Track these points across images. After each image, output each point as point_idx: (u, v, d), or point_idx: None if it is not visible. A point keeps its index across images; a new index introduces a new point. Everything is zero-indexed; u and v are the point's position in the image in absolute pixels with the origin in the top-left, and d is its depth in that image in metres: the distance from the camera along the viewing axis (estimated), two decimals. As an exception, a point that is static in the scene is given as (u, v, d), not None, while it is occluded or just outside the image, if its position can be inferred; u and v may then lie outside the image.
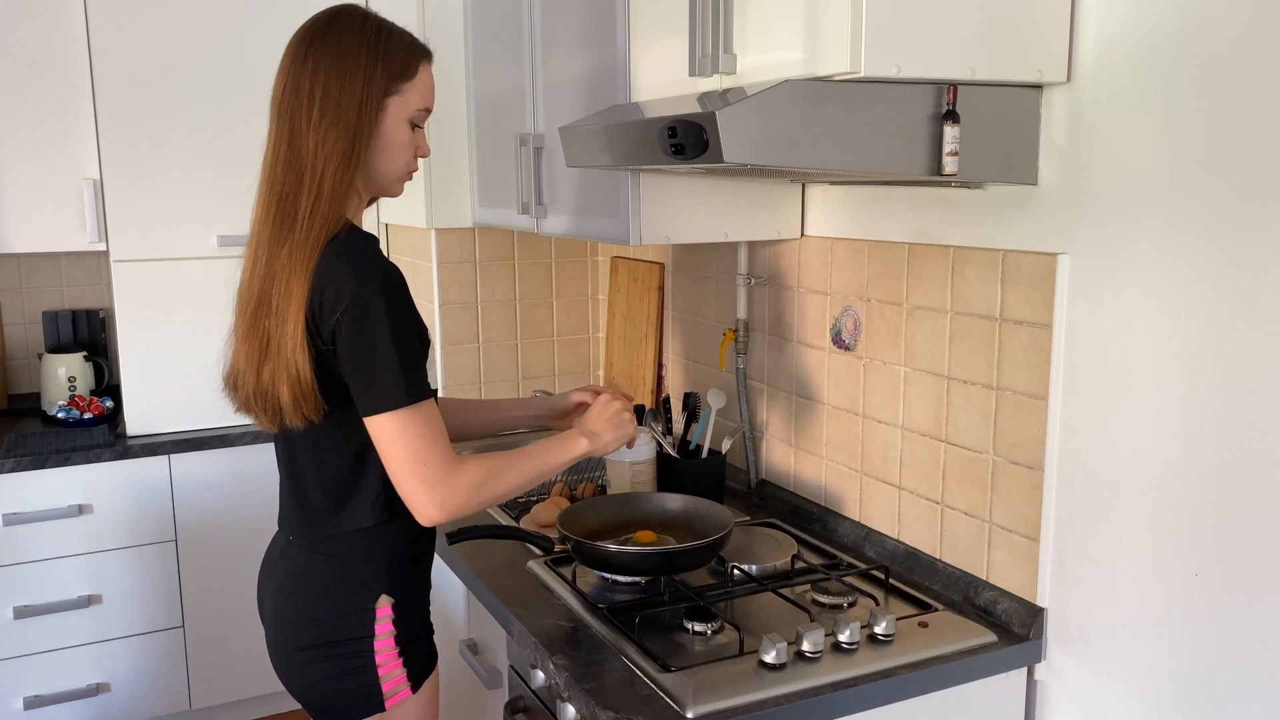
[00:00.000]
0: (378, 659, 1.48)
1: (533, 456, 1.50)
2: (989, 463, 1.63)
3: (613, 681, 1.45)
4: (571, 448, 1.56)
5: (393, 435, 1.35)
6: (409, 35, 1.47)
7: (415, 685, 1.52)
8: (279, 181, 1.40)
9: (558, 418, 1.81)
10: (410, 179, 1.54)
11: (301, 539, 1.52)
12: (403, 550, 1.51)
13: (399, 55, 1.43)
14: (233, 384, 1.49)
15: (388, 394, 1.35)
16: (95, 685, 2.78)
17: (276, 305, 1.36)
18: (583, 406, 1.78)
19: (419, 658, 1.53)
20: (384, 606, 1.48)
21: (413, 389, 1.36)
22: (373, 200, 1.57)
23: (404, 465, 1.36)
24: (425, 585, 1.58)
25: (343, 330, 1.34)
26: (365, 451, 1.45)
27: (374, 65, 1.41)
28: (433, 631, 1.60)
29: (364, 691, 1.48)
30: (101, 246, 2.80)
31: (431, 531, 1.58)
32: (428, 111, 1.49)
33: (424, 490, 1.36)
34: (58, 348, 3.10)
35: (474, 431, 1.83)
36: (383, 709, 1.49)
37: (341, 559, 1.48)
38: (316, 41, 1.41)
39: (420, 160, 1.54)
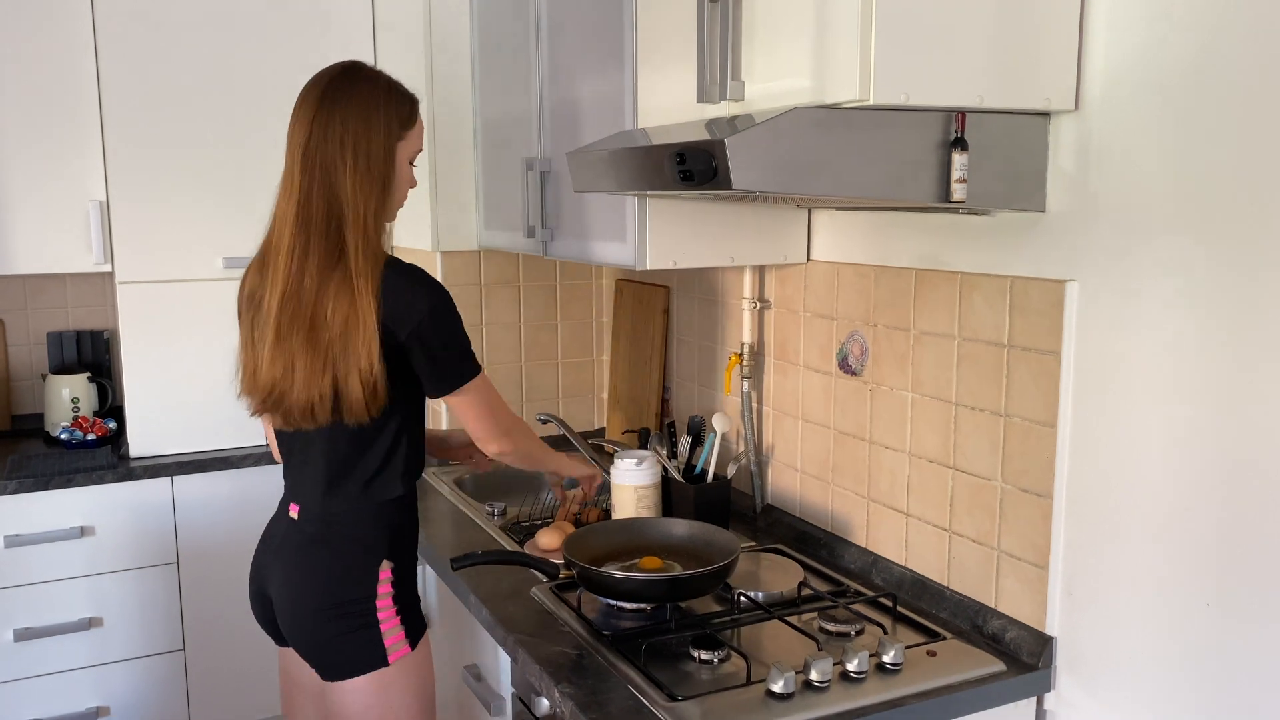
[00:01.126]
0: (380, 616, 1.66)
1: (542, 448, 1.92)
2: (997, 490, 1.62)
3: (619, 710, 1.44)
4: (555, 455, 1.95)
5: (474, 397, 1.70)
6: (404, 87, 1.69)
7: (413, 643, 1.69)
8: (317, 217, 1.58)
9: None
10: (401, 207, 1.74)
11: (317, 515, 1.69)
12: (401, 522, 1.72)
13: (405, 106, 1.66)
14: (266, 393, 1.62)
15: (467, 371, 1.67)
16: (95, 709, 2.76)
17: (342, 320, 1.55)
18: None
19: (413, 618, 1.71)
20: (385, 570, 1.68)
21: (476, 366, 1.70)
22: None
23: (486, 415, 1.72)
24: (415, 558, 1.77)
25: (425, 332, 1.60)
26: (400, 436, 1.68)
27: (390, 116, 1.62)
28: (420, 601, 1.76)
29: (371, 646, 1.65)
30: (107, 268, 2.80)
31: (415, 508, 1.78)
32: (420, 151, 1.72)
33: (501, 430, 1.75)
34: (62, 369, 3.10)
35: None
36: (386, 663, 1.65)
37: (357, 528, 1.67)
38: (340, 95, 1.60)
39: (425, 183, 1.77)
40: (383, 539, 1.68)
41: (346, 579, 1.66)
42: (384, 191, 1.62)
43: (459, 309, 1.66)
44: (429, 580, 2.28)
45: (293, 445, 1.73)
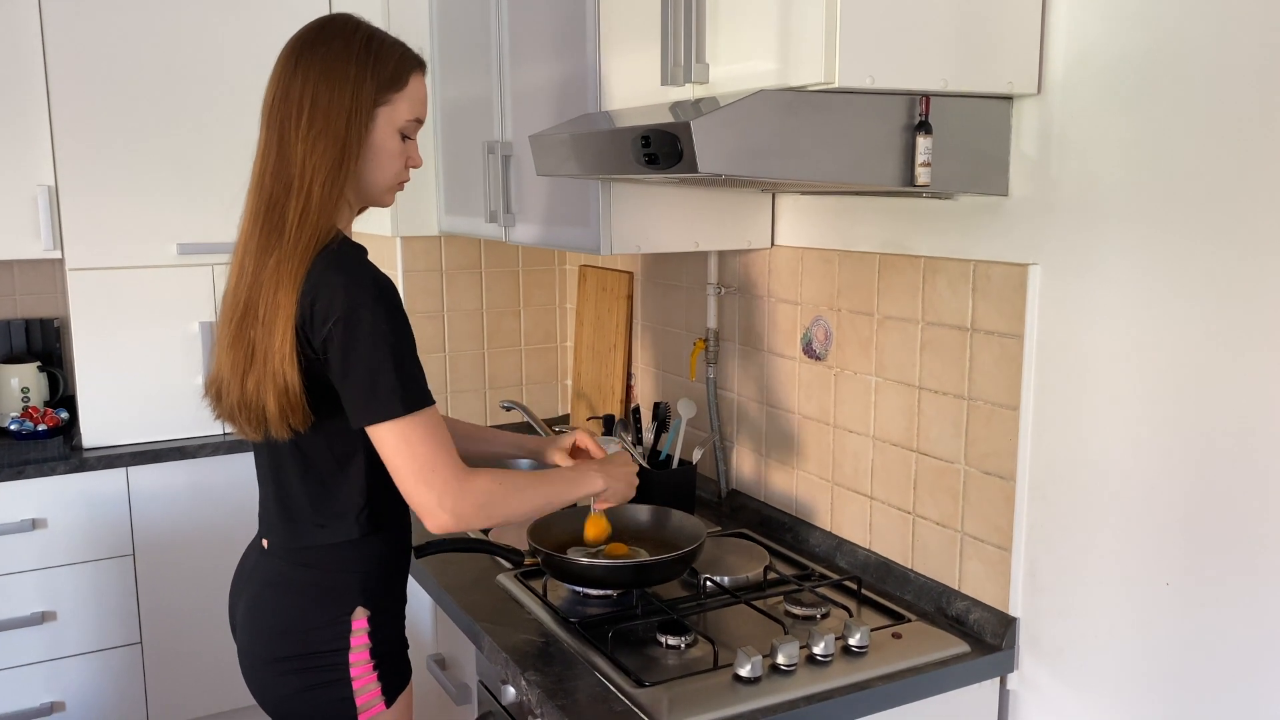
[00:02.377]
0: (352, 672, 1.46)
1: (546, 483, 1.51)
2: (960, 473, 1.63)
3: (585, 697, 1.43)
4: (585, 483, 1.58)
5: (397, 444, 1.34)
6: (401, 45, 1.46)
7: (389, 700, 1.50)
8: (267, 190, 1.39)
9: (549, 456, 1.77)
10: (401, 189, 1.53)
11: (279, 549, 1.50)
12: (380, 563, 1.50)
13: (389, 65, 1.42)
14: (215, 393, 1.46)
15: (386, 403, 1.33)
16: (50, 704, 2.71)
17: (264, 315, 1.35)
18: (579, 450, 1.76)
19: (393, 672, 1.51)
20: (359, 619, 1.47)
21: (412, 397, 1.34)
22: (362, 210, 1.55)
23: (411, 473, 1.34)
24: (401, 599, 1.56)
25: (335, 341, 1.33)
26: (350, 463, 1.44)
27: (364, 74, 1.40)
28: (407, 646, 1.58)
29: (338, 705, 1.46)
30: (57, 254, 2.73)
31: (408, 545, 1.57)
32: (419, 122, 1.48)
33: (434, 498, 1.35)
34: (10, 358, 3.02)
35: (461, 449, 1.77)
36: None
37: (318, 570, 1.47)
38: (307, 50, 1.40)
39: (419, 165, 1.53)
40: (353, 586, 1.46)
41: (312, 629, 1.45)
42: (341, 158, 1.38)
43: (424, 297, 1.45)
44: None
45: (257, 464, 1.54)
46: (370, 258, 1.41)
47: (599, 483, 1.59)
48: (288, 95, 1.39)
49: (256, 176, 1.41)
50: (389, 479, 1.45)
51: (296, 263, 1.34)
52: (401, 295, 2.61)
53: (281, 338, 1.33)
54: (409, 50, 1.47)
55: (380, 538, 1.49)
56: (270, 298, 1.34)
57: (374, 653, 1.47)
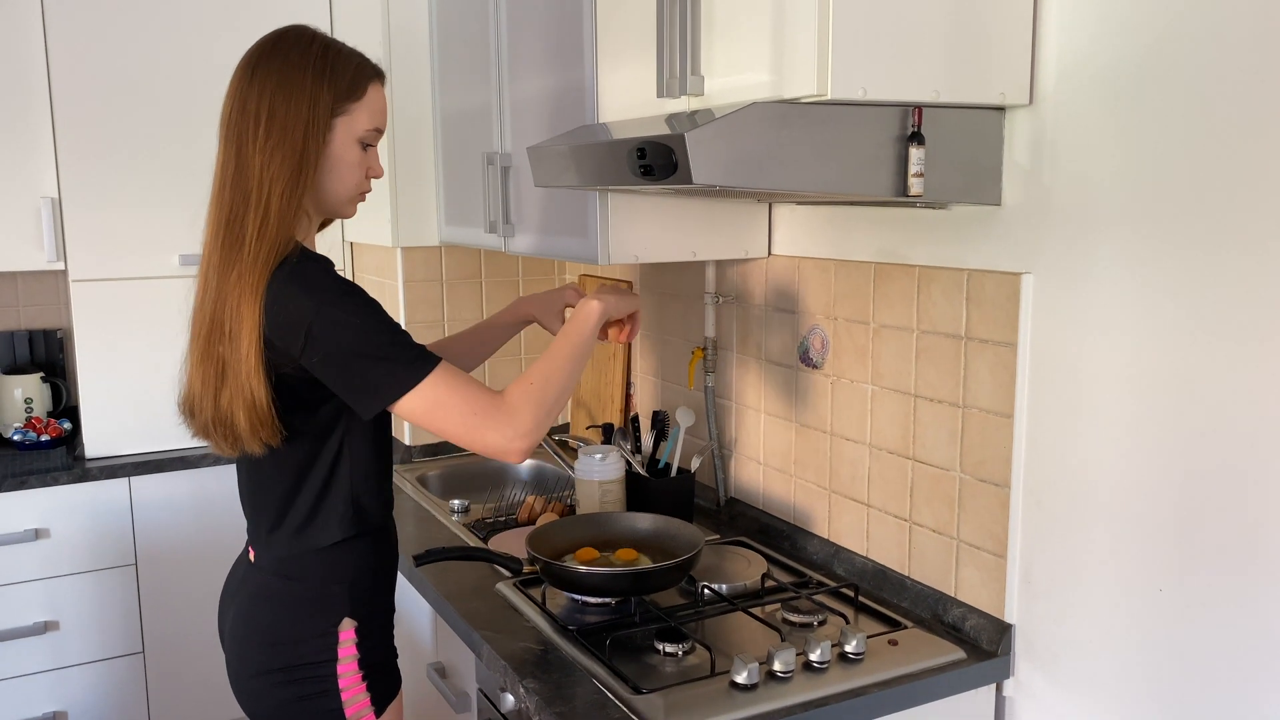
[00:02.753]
0: (341, 683, 1.47)
1: (561, 345, 1.50)
2: (956, 480, 1.64)
3: (584, 704, 1.44)
4: (588, 315, 1.55)
5: (430, 409, 1.35)
6: (358, 55, 1.46)
7: (379, 710, 1.51)
8: (227, 203, 1.38)
9: (548, 315, 1.82)
10: (363, 199, 1.53)
11: (265, 560, 1.51)
12: (366, 573, 1.51)
13: (346, 75, 1.42)
14: (189, 409, 1.46)
15: (394, 381, 1.34)
16: (52, 714, 2.72)
17: (230, 330, 1.34)
18: (573, 294, 1.82)
19: (383, 682, 1.52)
20: (347, 630, 1.48)
21: (415, 364, 1.35)
22: (326, 223, 1.56)
23: (461, 428, 1.36)
24: (389, 608, 1.57)
25: (315, 347, 1.32)
26: (335, 465, 1.45)
27: (320, 85, 1.39)
28: (397, 655, 1.59)
29: (327, 716, 1.47)
30: (60, 266, 2.76)
31: (394, 553, 1.58)
32: (379, 132, 1.48)
33: (495, 435, 1.36)
34: (14, 369, 3.04)
35: (477, 360, 1.86)
36: None
37: (303, 581, 1.48)
38: (263, 62, 1.40)
39: (383, 178, 1.53)
40: (340, 594, 1.47)
41: (298, 640, 1.45)
42: (299, 169, 1.37)
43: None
44: (392, 578, 2.26)
45: (238, 476, 1.55)
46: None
47: (597, 306, 1.56)
48: (244, 107, 1.38)
49: (216, 190, 1.40)
50: (371, 481, 1.49)
51: (257, 276, 1.33)
52: (402, 306, 2.66)
53: (248, 351, 1.32)
54: (366, 60, 1.47)
55: (364, 544, 1.50)
56: (234, 312, 1.34)
57: (362, 663, 1.48)
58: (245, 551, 1.58)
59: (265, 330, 1.33)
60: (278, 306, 1.33)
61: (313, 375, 1.36)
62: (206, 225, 1.42)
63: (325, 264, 1.40)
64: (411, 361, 1.35)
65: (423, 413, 1.35)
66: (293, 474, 1.45)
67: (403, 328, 1.39)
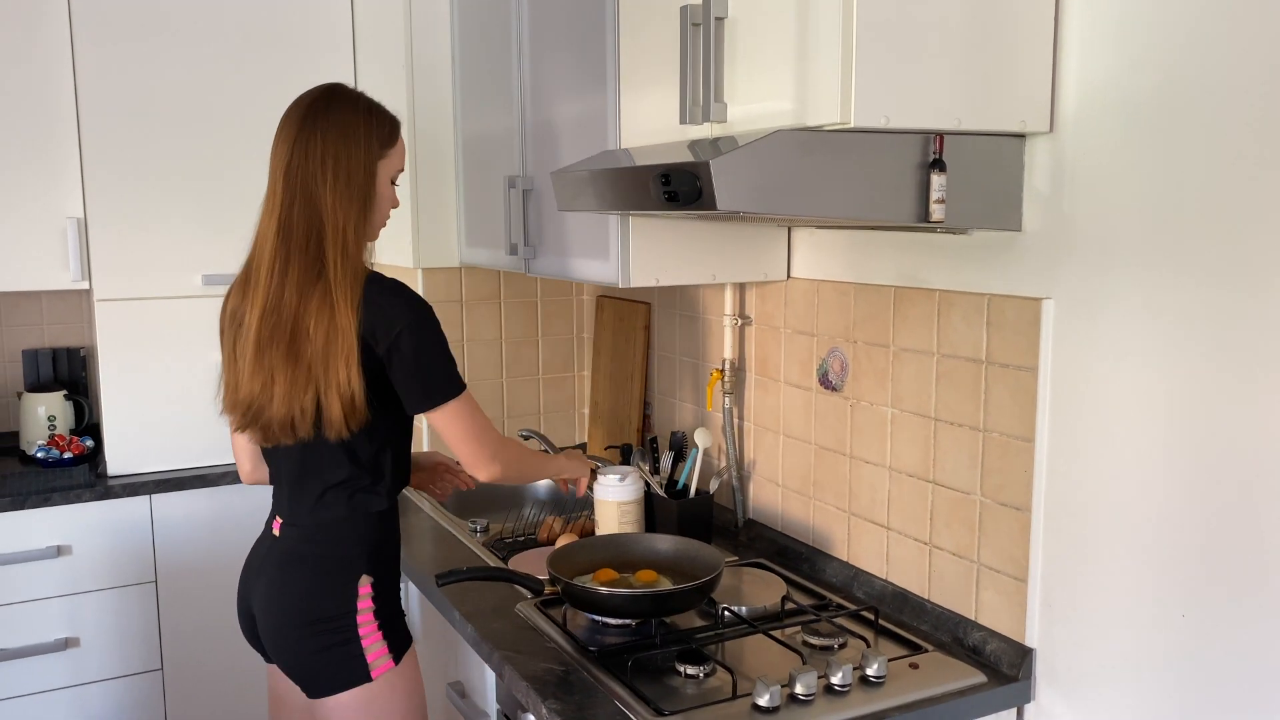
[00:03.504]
0: (360, 631, 1.66)
1: (545, 465, 1.91)
2: (976, 504, 1.65)
3: (606, 726, 1.44)
4: (551, 461, 1.95)
5: (456, 417, 1.67)
6: (386, 109, 1.72)
7: (396, 657, 1.69)
8: (298, 235, 1.60)
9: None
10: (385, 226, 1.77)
11: (293, 531, 1.71)
12: (381, 536, 1.72)
13: (386, 126, 1.68)
14: (245, 408, 1.64)
15: (445, 389, 1.65)
16: (71, 730, 2.73)
17: (322, 335, 1.56)
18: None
19: (397, 633, 1.71)
20: (365, 585, 1.68)
21: (459, 383, 1.68)
22: None
23: (471, 438, 1.68)
24: (397, 570, 1.77)
25: (403, 345, 1.59)
26: (384, 450, 1.69)
27: (371, 136, 1.65)
28: (404, 615, 1.76)
29: (352, 662, 1.65)
30: (84, 285, 2.79)
31: (396, 522, 1.78)
32: (401, 171, 1.74)
33: (488, 452, 1.71)
34: (37, 386, 3.07)
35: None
36: (369, 679, 1.65)
37: (331, 544, 1.68)
38: (321, 115, 1.63)
39: (407, 200, 1.79)
40: (361, 554, 1.69)
41: (324, 595, 1.67)
42: (364, 208, 1.64)
43: (443, 326, 1.67)
44: (412, 597, 2.27)
45: (277, 461, 1.74)
46: None
47: (562, 460, 1.98)
48: (308, 154, 1.61)
49: (281, 222, 1.62)
50: (404, 464, 1.75)
51: (348, 291, 1.58)
52: (422, 326, 2.68)
53: (346, 353, 1.57)
54: (391, 114, 1.73)
55: (383, 516, 1.72)
56: (328, 321, 1.57)
57: (378, 614, 1.68)
58: (267, 530, 1.76)
59: (361, 331, 1.57)
60: (374, 311, 1.59)
61: (377, 371, 1.60)
62: (268, 252, 1.62)
63: (403, 283, 1.68)
64: (458, 380, 1.68)
65: (450, 419, 1.67)
66: (354, 450, 1.66)
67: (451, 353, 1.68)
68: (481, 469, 1.71)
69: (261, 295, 1.61)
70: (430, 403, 1.65)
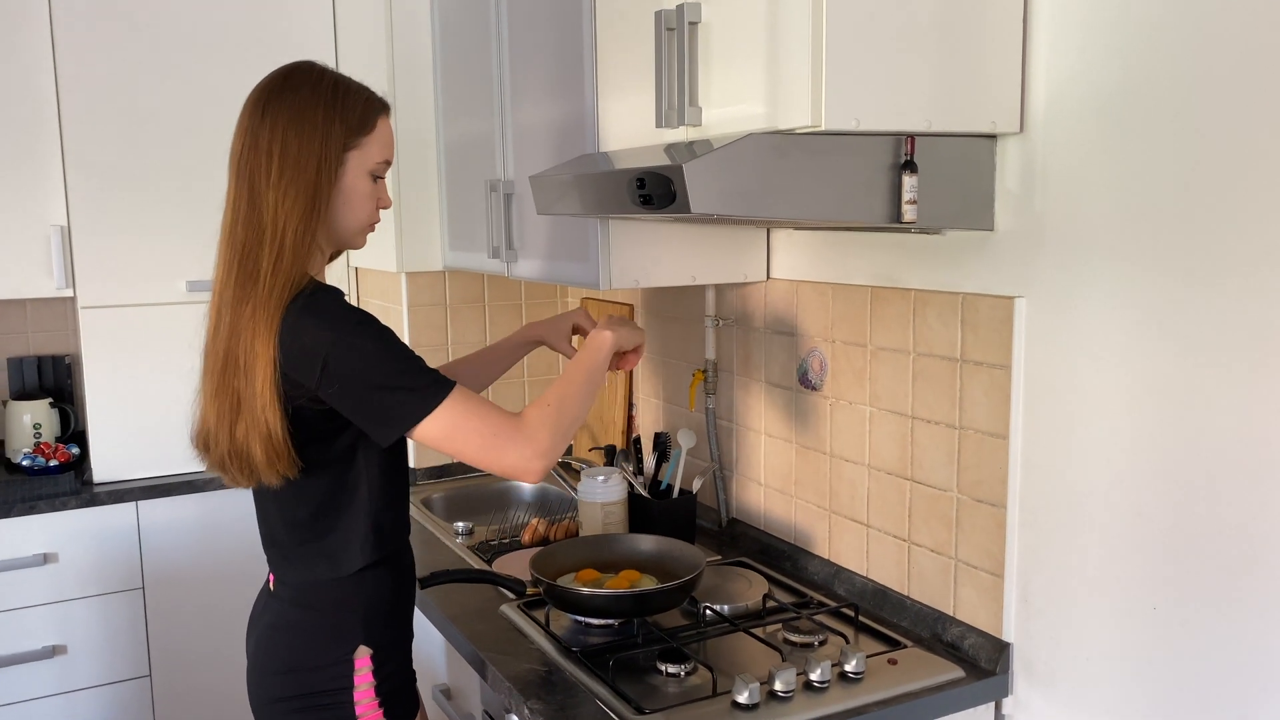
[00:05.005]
0: (358, 710, 1.48)
1: (575, 371, 1.54)
2: (953, 500, 1.67)
3: (587, 725, 1.46)
4: (600, 344, 1.60)
5: (448, 433, 1.37)
6: (366, 89, 1.49)
7: None
8: (240, 239, 1.40)
9: (556, 337, 1.89)
10: (373, 230, 1.55)
11: (282, 590, 1.54)
12: (382, 601, 1.52)
13: (356, 109, 1.44)
14: (204, 444, 1.47)
15: (411, 407, 1.36)
16: (59, 738, 2.73)
17: (244, 364, 1.36)
18: (578, 329, 1.89)
19: (401, 706, 1.54)
20: (363, 657, 1.49)
21: (432, 390, 1.37)
22: (335, 255, 1.59)
23: (480, 450, 1.38)
24: (406, 635, 1.59)
25: (333, 378, 1.34)
26: (352, 497, 1.46)
27: (332, 120, 1.41)
28: (415, 679, 1.61)
29: None
30: (69, 293, 2.79)
31: (412, 581, 1.60)
32: (388, 164, 1.51)
33: (514, 456, 1.39)
34: (23, 394, 3.07)
35: (485, 382, 1.92)
36: None
37: (319, 610, 1.49)
38: (274, 99, 1.42)
39: (388, 206, 1.56)
40: (355, 622, 1.48)
41: (315, 668, 1.47)
42: (313, 205, 1.39)
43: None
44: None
45: (256, 506, 1.56)
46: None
47: (610, 338, 1.61)
48: (256, 144, 1.40)
49: (228, 227, 1.42)
50: (387, 510, 1.50)
51: (271, 310, 1.35)
52: (406, 330, 2.69)
53: (262, 385, 1.34)
54: (374, 94, 1.49)
55: (379, 573, 1.51)
56: (249, 346, 1.35)
57: (379, 690, 1.50)
58: (267, 581, 1.60)
59: (281, 364, 1.35)
60: (293, 339, 1.35)
61: (327, 407, 1.38)
62: (218, 261, 1.44)
63: (336, 294, 1.43)
64: (427, 387, 1.37)
65: (442, 436, 1.37)
66: (312, 504, 1.46)
67: (415, 353, 1.41)
68: (518, 472, 1.39)
69: (210, 313, 1.43)
70: (400, 426, 1.37)
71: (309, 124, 1.40)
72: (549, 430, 1.42)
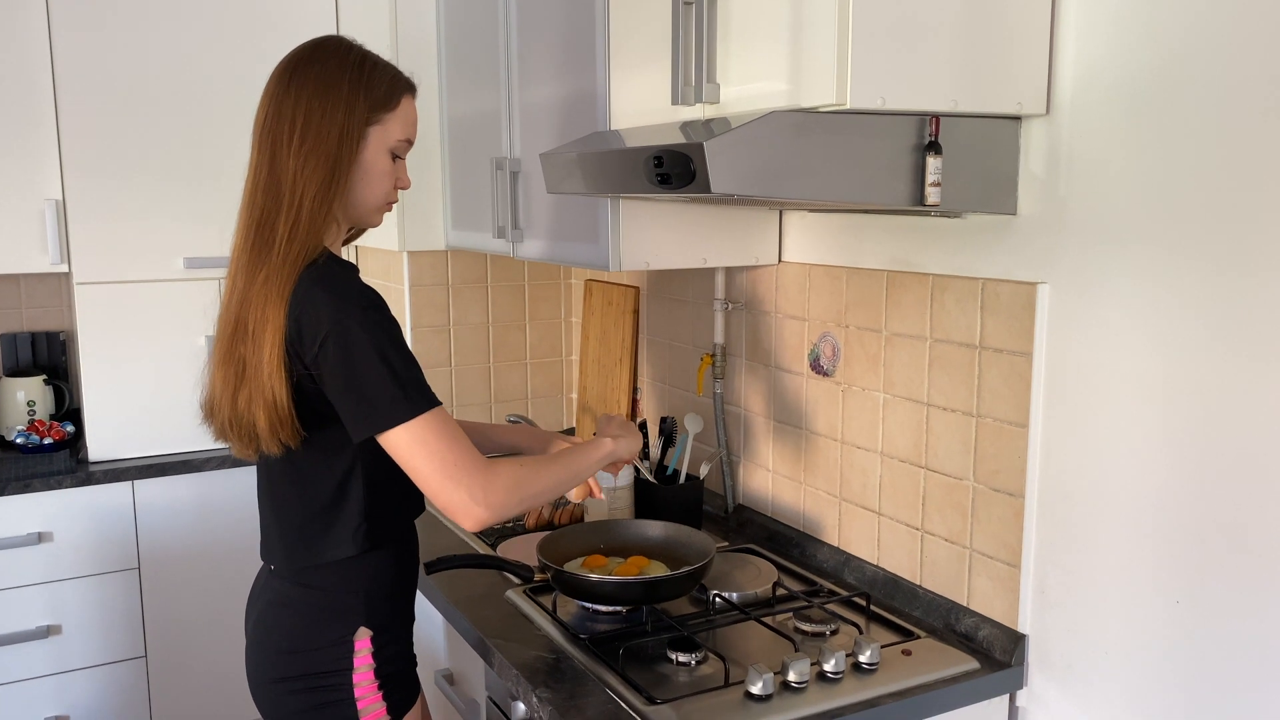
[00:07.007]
0: (357, 692, 1.46)
1: (563, 459, 1.52)
2: (969, 489, 1.64)
3: (597, 714, 1.43)
4: (596, 449, 1.59)
5: (413, 447, 1.32)
6: (393, 67, 1.48)
7: (396, 718, 1.51)
8: (258, 206, 1.40)
9: (553, 449, 1.76)
10: (389, 209, 1.54)
11: (282, 569, 1.51)
12: (384, 583, 1.50)
13: (381, 85, 1.44)
14: (209, 410, 1.47)
15: (391, 410, 1.32)
16: (55, 718, 2.70)
17: (253, 330, 1.36)
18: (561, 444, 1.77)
19: (400, 690, 1.52)
20: (363, 639, 1.47)
21: (415, 400, 1.33)
22: (352, 231, 1.57)
23: (435, 474, 1.32)
24: (408, 618, 1.57)
25: (327, 357, 1.32)
26: (348, 479, 1.44)
27: (356, 94, 1.41)
28: (415, 664, 1.59)
29: None
30: (64, 268, 2.74)
31: (414, 564, 1.58)
32: (409, 143, 1.50)
33: (465, 493, 1.32)
34: (16, 371, 3.03)
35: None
36: None
37: (320, 590, 1.47)
38: (301, 69, 1.42)
39: (407, 187, 1.54)
40: (356, 604, 1.46)
41: (315, 648, 1.45)
42: (332, 176, 1.38)
43: (430, 311, 1.47)
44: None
45: (258, 480, 1.54)
46: (378, 272, 1.42)
47: (608, 444, 1.60)
48: (280, 113, 1.40)
49: (248, 194, 1.42)
50: (389, 495, 1.47)
51: (284, 278, 1.35)
52: (408, 310, 2.65)
53: (270, 352, 1.33)
54: (400, 72, 1.49)
55: (381, 555, 1.49)
56: (259, 313, 1.35)
57: (379, 673, 1.48)
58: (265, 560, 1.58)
59: (288, 332, 1.34)
60: (302, 308, 1.34)
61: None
62: (237, 228, 1.43)
63: (351, 269, 1.42)
64: (415, 394, 1.34)
65: (405, 449, 1.33)
66: (308, 487, 1.45)
67: (414, 358, 1.38)
68: (460, 513, 1.33)
69: (227, 280, 1.43)
70: (372, 426, 1.33)
71: (334, 95, 1.40)
72: (510, 490, 1.37)
